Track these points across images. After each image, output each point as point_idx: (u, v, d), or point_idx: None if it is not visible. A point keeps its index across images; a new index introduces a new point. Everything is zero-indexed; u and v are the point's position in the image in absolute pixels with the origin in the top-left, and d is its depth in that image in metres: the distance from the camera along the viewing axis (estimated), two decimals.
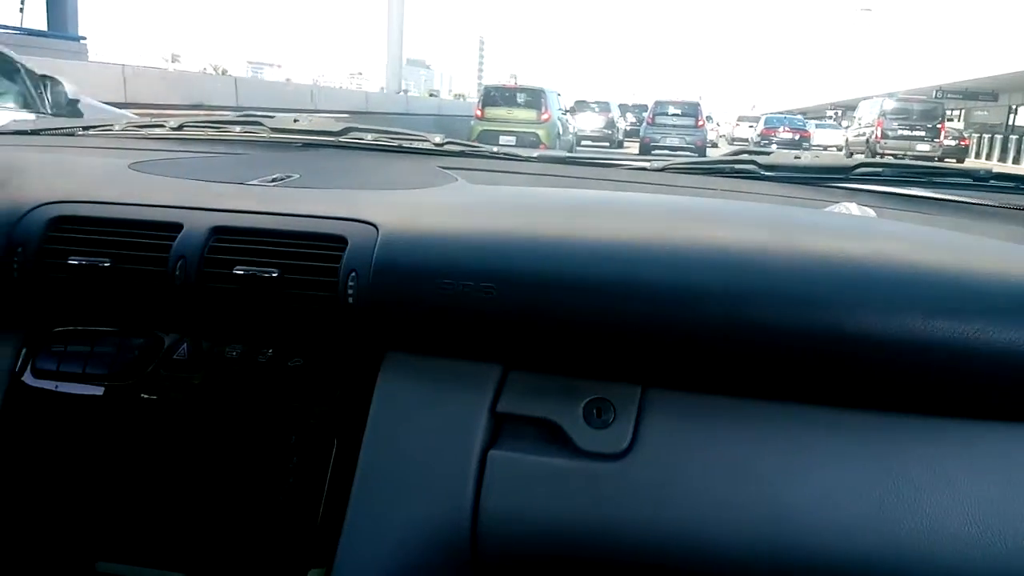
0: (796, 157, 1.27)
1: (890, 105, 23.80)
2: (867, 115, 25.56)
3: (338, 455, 0.93)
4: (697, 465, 0.83)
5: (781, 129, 27.14)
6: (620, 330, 0.84)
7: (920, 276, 0.80)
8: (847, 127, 31.47)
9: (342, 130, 1.46)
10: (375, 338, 0.93)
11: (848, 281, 0.80)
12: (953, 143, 25.33)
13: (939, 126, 23.41)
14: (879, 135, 23.00)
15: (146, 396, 0.98)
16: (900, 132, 23.06)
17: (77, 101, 5.16)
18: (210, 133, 1.49)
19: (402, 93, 31.45)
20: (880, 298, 0.79)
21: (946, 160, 22.32)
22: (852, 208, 1.05)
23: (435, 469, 0.87)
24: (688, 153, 19.35)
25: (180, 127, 1.48)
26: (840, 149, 38.12)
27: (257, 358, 0.97)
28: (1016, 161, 27.38)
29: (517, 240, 0.89)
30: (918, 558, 0.78)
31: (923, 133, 23.04)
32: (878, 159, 1.33)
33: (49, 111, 4.94)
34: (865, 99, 28.00)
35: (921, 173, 1.24)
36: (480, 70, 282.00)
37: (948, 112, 23.57)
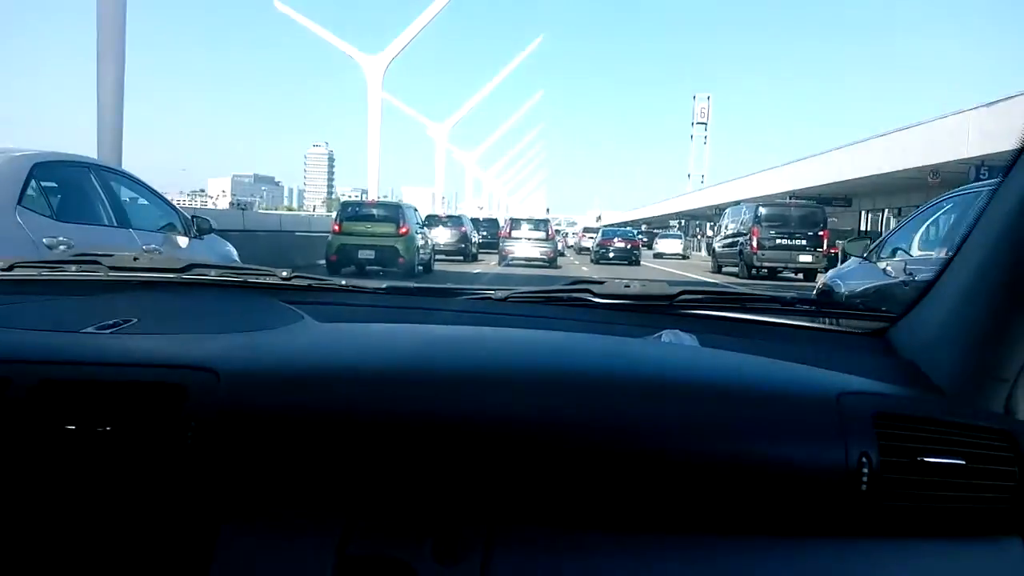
0: (626, 286, 1.35)
1: (765, 211, 21.43)
2: (736, 222, 23.40)
3: None
4: None
5: (615, 240, 30.57)
6: (466, 467, 0.86)
7: (733, 403, 0.88)
8: (711, 236, 33.09)
9: (184, 267, 1.43)
10: (217, 489, 0.90)
11: (669, 409, 0.87)
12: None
13: (821, 233, 20.83)
14: (755, 245, 20.55)
15: None
16: (779, 241, 20.71)
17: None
18: (43, 274, 1.42)
19: (239, 210, 31.60)
20: (696, 423, 0.86)
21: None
22: (676, 336, 1.14)
23: None
24: (541, 262, 22.61)
25: (10, 268, 1.41)
26: (684, 257, 41.19)
27: (93, 510, 0.93)
28: None
29: (361, 381, 0.91)
30: None
31: (804, 242, 20.62)
32: (703, 287, 1.44)
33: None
34: (732, 204, 27.07)
35: (735, 299, 1.36)
36: (330, 184, 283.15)
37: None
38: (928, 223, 5.39)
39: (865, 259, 5.73)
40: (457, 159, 74.98)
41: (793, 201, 23.60)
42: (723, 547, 0.86)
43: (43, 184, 4.85)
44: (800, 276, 21.07)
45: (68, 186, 5.16)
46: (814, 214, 21.54)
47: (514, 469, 0.86)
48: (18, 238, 4.36)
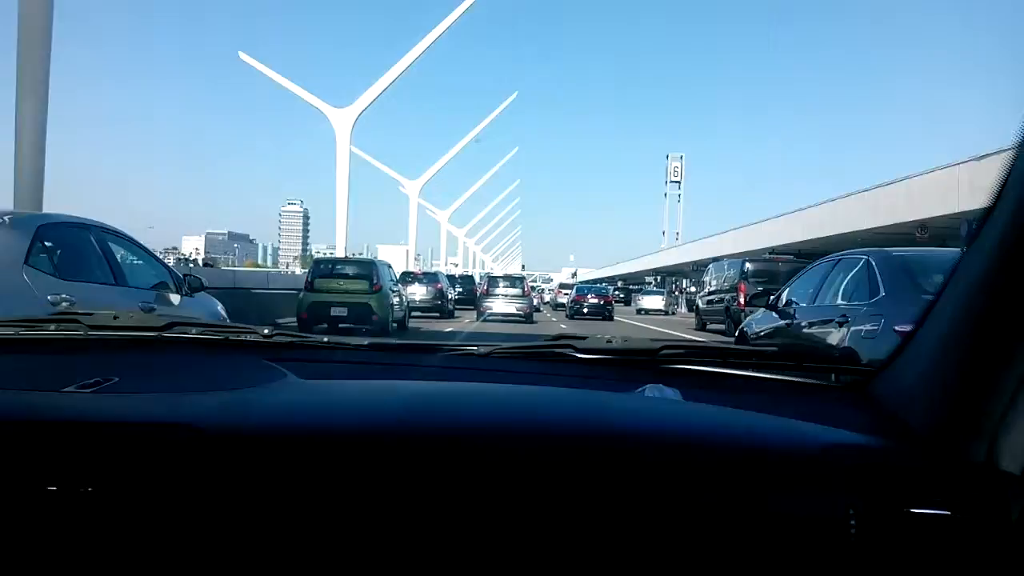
0: (608, 340, 1.37)
1: (752, 267, 21.18)
2: (720, 278, 23.33)
3: None
4: None
5: (589, 296, 31.90)
6: (448, 526, 0.86)
7: (718, 457, 0.91)
8: (694, 291, 33.37)
9: (164, 325, 1.42)
10: (202, 551, 0.89)
11: (655, 464, 0.89)
12: None
13: None
14: (742, 302, 19.54)
15: None
16: None
17: None
18: (22, 333, 1.42)
19: (205, 266, 31.55)
20: (684, 479, 0.87)
21: None
22: (659, 390, 1.17)
23: None
24: (517, 317, 23.62)
25: None
26: (667, 312, 41.19)
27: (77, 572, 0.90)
28: None
29: (345, 439, 0.92)
30: None
31: None
32: (684, 342, 1.47)
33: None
34: (712, 260, 26.53)
35: (717, 353, 1.39)
36: (305, 241, 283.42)
37: None
38: (806, 281, 7.16)
39: (767, 309, 7.59)
40: (432, 216, 75.66)
41: (779, 256, 23.18)
42: None
43: (46, 244, 5.17)
44: None
45: (69, 246, 5.46)
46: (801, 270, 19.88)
47: (501, 529, 0.86)
48: (26, 295, 4.66)
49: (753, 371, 1.36)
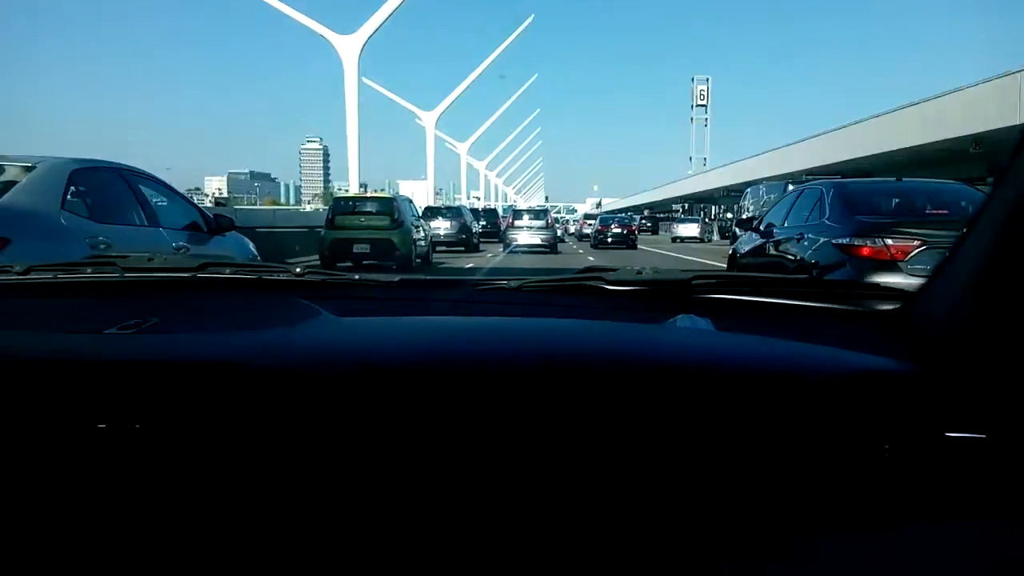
0: (639, 272, 1.38)
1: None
2: (758, 203, 21.57)
3: None
4: None
5: (613, 226, 33.36)
6: (483, 456, 0.88)
7: (753, 385, 0.91)
8: (730, 218, 32.89)
9: (199, 266, 1.44)
10: (243, 488, 0.92)
11: (689, 394, 0.90)
12: None
13: None
14: None
15: None
16: None
17: None
18: (60, 276, 1.45)
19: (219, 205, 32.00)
20: (718, 408, 0.88)
21: None
22: (692, 320, 1.17)
23: None
24: (542, 248, 24.80)
25: (27, 271, 1.45)
26: (703, 240, 41.00)
27: (126, 509, 0.93)
28: None
29: (384, 374, 0.95)
30: None
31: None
32: (716, 272, 1.45)
33: None
34: (745, 185, 25.05)
35: (749, 282, 1.39)
36: (327, 178, 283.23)
37: None
38: (781, 208, 8.25)
39: (753, 231, 8.40)
40: (451, 149, 75.17)
41: (829, 178, 21.02)
42: (743, 526, 0.87)
43: (80, 188, 5.36)
44: None
45: (102, 189, 5.65)
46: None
47: (538, 460, 0.88)
48: (65, 238, 4.86)
49: (787, 299, 1.34)
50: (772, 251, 7.74)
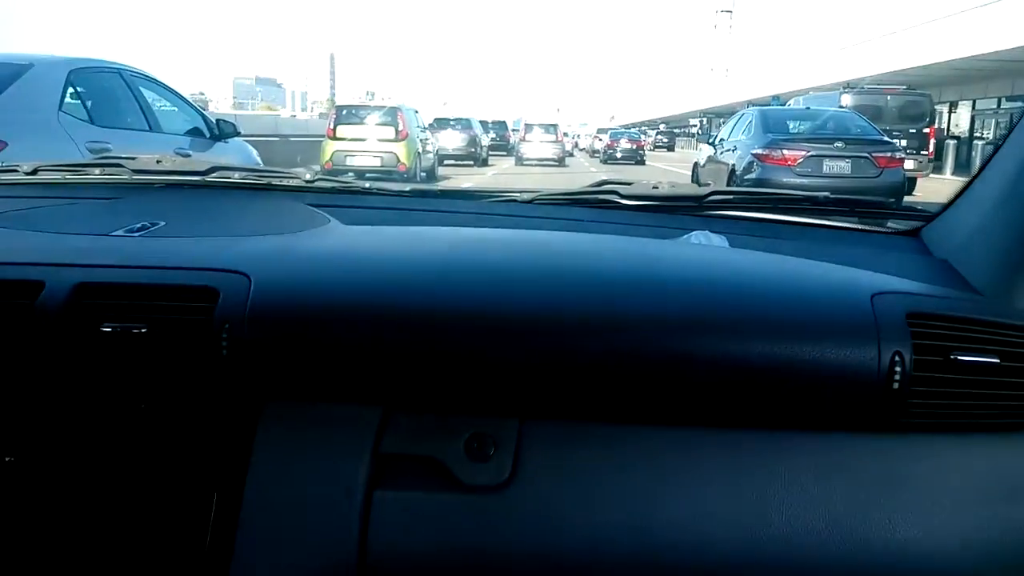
0: (654, 187, 1.38)
1: (850, 100, 16.10)
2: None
3: (219, 509, 0.97)
4: (575, 492, 0.91)
5: (623, 140, 34.17)
6: (497, 365, 0.92)
7: (762, 302, 0.93)
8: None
9: (207, 170, 1.46)
10: (253, 389, 0.96)
11: (700, 308, 0.92)
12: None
13: (927, 131, 16.25)
14: None
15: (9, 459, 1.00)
16: None
17: None
18: (67, 177, 1.46)
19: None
20: (729, 323, 0.91)
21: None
22: (706, 237, 1.18)
23: (320, 514, 0.92)
24: (551, 161, 26.00)
25: (34, 171, 1.45)
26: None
27: (133, 411, 1.00)
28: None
29: (392, 283, 0.96)
30: (778, 557, 0.89)
31: (905, 142, 14.54)
32: (732, 188, 1.49)
33: None
34: (773, 99, 22.18)
35: (766, 199, 1.39)
36: (332, 88, 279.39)
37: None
38: (729, 126, 11.21)
39: (711, 145, 11.51)
40: None
41: (889, 88, 17.73)
42: (750, 439, 0.92)
43: (79, 89, 5.32)
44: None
45: (101, 91, 5.61)
46: (918, 104, 16.60)
47: (544, 365, 0.91)
48: (63, 142, 4.84)
49: (805, 217, 1.35)
50: (717, 159, 10.81)
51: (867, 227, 1.37)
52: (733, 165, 9.83)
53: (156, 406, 0.99)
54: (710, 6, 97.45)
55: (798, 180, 8.72)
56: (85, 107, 5.35)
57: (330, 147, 15.63)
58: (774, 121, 10.29)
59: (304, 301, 0.94)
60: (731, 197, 1.38)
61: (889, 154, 9.61)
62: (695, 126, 66.13)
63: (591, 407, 0.93)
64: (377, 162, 15.25)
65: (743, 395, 0.90)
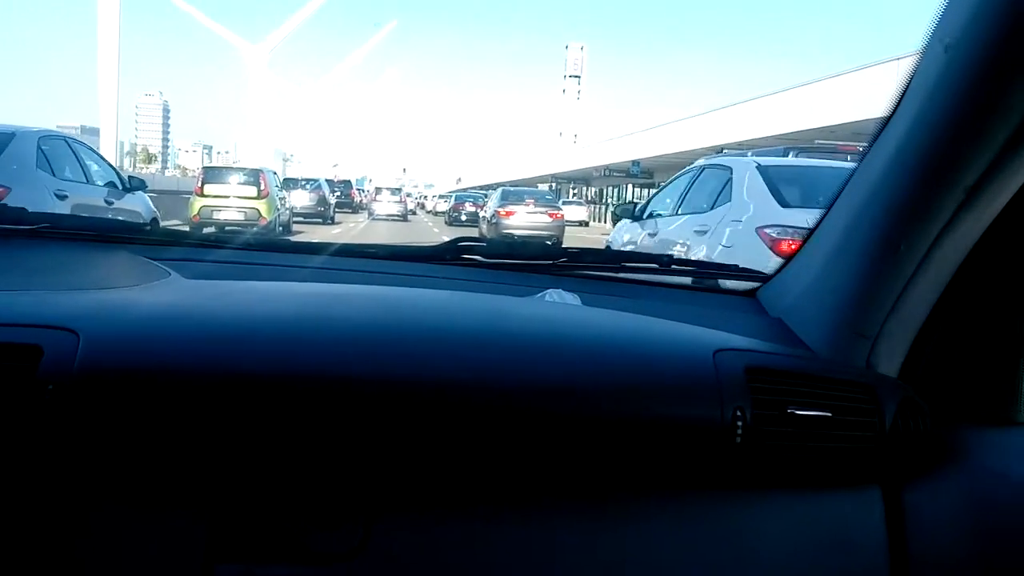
0: (509, 245, 1.55)
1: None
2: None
3: None
4: (425, 564, 0.92)
5: (467, 204, 34.25)
6: (334, 431, 0.90)
7: (613, 360, 0.98)
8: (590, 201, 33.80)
9: (39, 220, 1.41)
10: (78, 462, 0.90)
11: (551, 368, 0.95)
12: None
13: None
14: None
15: None
16: None
17: None
18: None
19: None
20: (579, 381, 0.94)
21: None
22: (559, 295, 1.26)
23: None
24: (396, 216, 34.59)
25: None
26: (584, 224, 41.65)
27: None
28: None
29: (229, 340, 0.94)
30: None
31: None
32: (585, 248, 1.59)
33: None
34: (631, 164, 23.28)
35: (615, 258, 1.51)
36: (165, 137, 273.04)
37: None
38: (669, 192, 7.90)
39: (632, 220, 8.08)
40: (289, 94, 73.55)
41: (845, 144, 14.13)
42: (603, 506, 0.95)
43: (44, 151, 7.66)
44: None
45: (56, 153, 7.96)
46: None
47: (392, 432, 0.90)
48: (40, 190, 7.20)
49: (651, 276, 1.45)
50: (662, 237, 7.34)
51: (709, 287, 1.49)
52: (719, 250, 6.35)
53: None
54: (559, 71, 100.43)
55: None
56: (49, 165, 7.68)
57: (198, 203, 17.84)
58: (785, 180, 6.48)
59: (136, 359, 0.90)
60: (582, 256, 1.46)
61: None
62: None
63: (440, 481, 0.94)
64: (241, 216, 17.64)
65: (592, 455, 0.92)
